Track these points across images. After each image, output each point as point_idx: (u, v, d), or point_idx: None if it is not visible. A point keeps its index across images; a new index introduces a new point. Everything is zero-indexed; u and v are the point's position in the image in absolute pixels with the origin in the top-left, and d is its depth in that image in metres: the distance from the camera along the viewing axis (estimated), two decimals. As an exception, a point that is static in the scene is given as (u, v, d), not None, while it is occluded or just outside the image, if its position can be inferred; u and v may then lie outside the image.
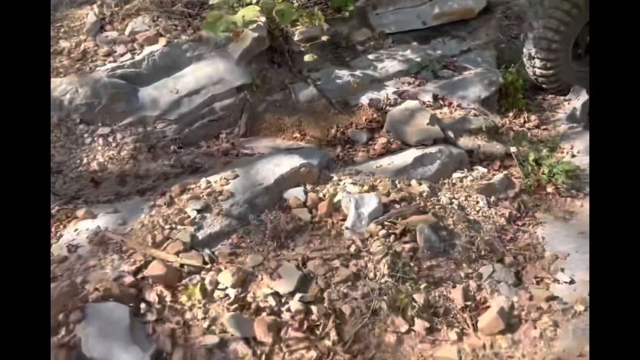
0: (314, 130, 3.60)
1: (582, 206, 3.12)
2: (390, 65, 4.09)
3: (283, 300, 2.26)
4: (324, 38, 3.83)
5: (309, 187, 2.89)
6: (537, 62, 4.11)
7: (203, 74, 3.66)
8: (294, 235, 2.61)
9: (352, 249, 2.51)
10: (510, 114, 3.91)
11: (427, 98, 3.75)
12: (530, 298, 2.40)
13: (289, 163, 2.95)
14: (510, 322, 2.26)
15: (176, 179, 3.04)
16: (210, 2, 3.83)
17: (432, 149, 3.25)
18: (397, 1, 4.50)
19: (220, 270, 2.35)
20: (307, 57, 3.67)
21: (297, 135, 3.56)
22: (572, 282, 2.50)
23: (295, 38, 4.03)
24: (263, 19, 3.85)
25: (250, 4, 3.63)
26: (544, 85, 4.28)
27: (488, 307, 2.33)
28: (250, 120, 3.63)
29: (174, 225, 2.51)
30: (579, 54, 4.21)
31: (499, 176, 3.20)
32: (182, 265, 2.34)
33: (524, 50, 4.16)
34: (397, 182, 2.97)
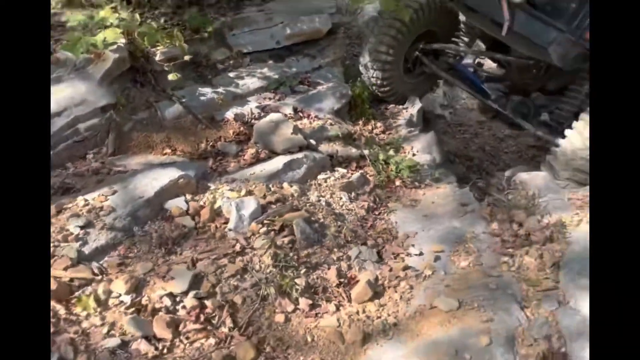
0: (183, 145, 3.73)
1: (424, 194, 3.70)
2: (251, 82, 4.37)
3: (178, 299, 2.42)
4: (186, 57, 4.02)
5: (188, 196, 3.05)
6: (374, 80, 4.64)
7: (63, 96, 3.60)
8: (180, 242, 2.77)
9: (237, 247, 2.74)
10: (360, 122, 4.41)
11: (288, 111, 4.11)
12: (390, 270, 2.85)
13: (167, 176, 3.08)
14: (376, 290, 2.68)
15: (48, 200, 3.01)
16: (67, 24, 3.80)
17: (299, 155, 3.59)
18: (251, 23, 4.85)
19: (111, 280, 2.43)
20: (172, 76, 3.82)
21: (168, 150, 3.66)
22: (421, 254, 3.01)
23: (157, 58, 4.15)
24: (123, 40, 3.92)
25: (111, 26, 3.70)
26: (383, 97, 4.90)
27: (358, 281, 2.72)
28: (118, 139, 3.66)
29: (57, 243, 2.52)
30: (409, 68, 4.92)
31: (356, 175, 3.66)
32: (71, 280, 2.38)
33: (361, 60, 4.64)
34: (270, 186, 3.26)
